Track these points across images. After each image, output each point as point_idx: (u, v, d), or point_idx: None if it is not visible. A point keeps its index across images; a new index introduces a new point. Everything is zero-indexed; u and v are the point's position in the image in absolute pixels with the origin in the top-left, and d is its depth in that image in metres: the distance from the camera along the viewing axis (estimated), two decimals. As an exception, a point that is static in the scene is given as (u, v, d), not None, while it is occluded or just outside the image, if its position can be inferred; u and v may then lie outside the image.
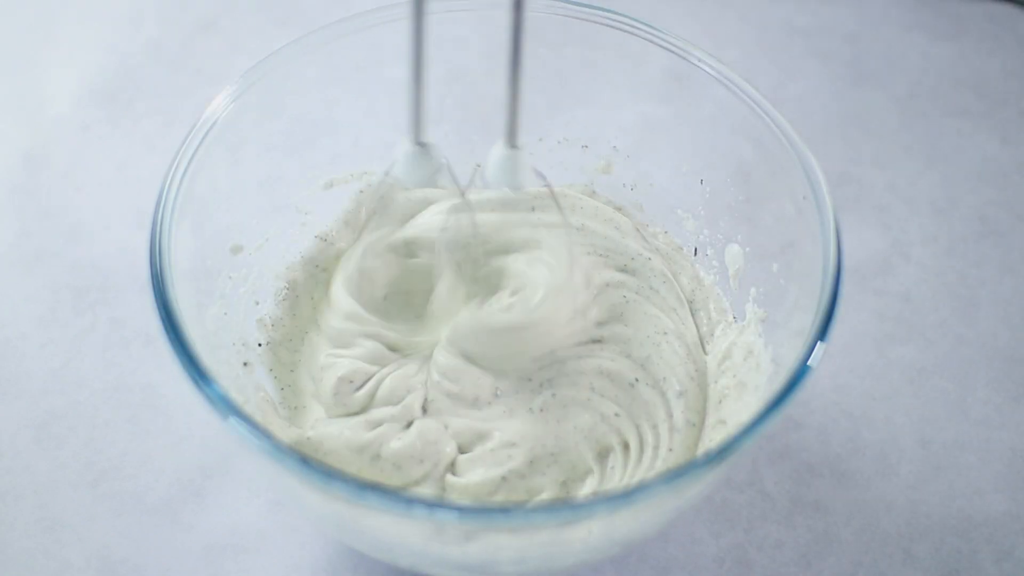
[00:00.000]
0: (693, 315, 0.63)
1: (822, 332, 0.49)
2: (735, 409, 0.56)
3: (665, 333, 0.60)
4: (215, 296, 0.58)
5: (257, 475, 0.61)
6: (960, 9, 0.85)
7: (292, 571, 0.58)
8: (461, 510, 0.45)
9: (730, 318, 0.61)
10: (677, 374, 0.59)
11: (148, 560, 0.59)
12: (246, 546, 0.59)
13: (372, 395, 0.58)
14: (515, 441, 0.56)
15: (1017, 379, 0.66)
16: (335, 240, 0.64)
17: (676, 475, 0.46)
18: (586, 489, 0.56)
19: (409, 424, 0.57)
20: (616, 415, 0.57)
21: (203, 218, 0.56)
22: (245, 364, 0.58)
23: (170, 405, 0.64)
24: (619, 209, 0.66)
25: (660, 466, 0.56)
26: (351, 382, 0.58)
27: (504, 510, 0.48)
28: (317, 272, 0.63)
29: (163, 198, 0.53)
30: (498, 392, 0.58)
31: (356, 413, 0.57)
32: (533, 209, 0.63)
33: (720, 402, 0.58)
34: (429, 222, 0.63)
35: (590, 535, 0.49)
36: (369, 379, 0.58)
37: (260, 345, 0.60)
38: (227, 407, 0.47)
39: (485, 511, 0.48)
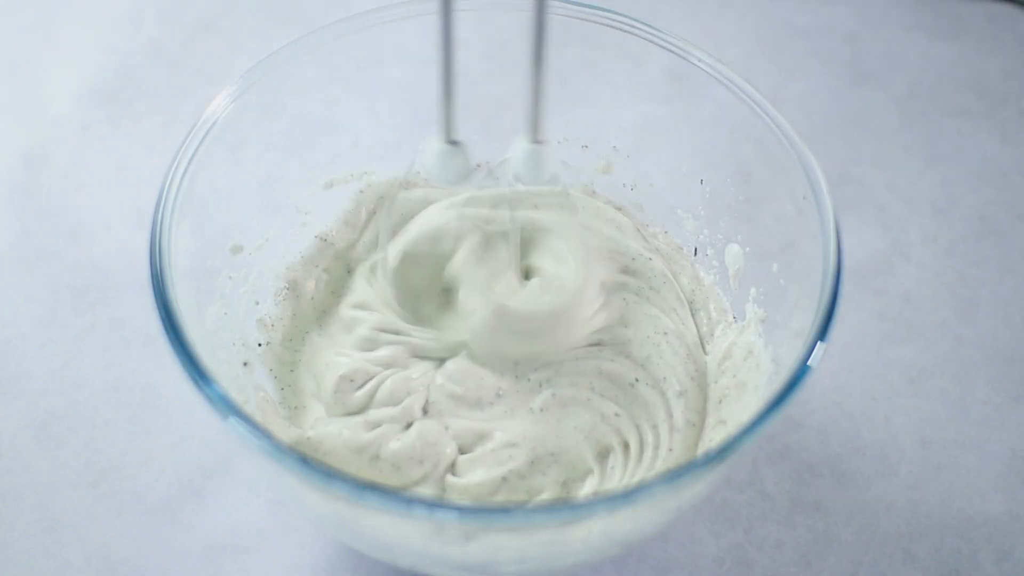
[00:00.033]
0: (693, 315, 0.63)
1: (822, 332, 0.49)
2: (735, 409, 0.56)
3: (665, 333, 0.60)
4: (215, 296, 0.58)
5: (257, 475, 0.61)
6: (960, 9, 0.85)
7: (292, 571, 0.58)
8: (461, 510, 0.45)
9: (730, 318, 0.61)
10: (677, 374, 0.59)
11: (148, 560, 0.59)
12: (246, 546, 0.59)
13: (372, 395, 0.58)
14: (515, 441, 0.56)
15: (1017, 379, 0.66)
16: (335, 240, 0.64)
17: (676, 475, 0.46)
18: (586, 489, 0.56)
19: (409, 425, 0.57)
20: (616, 415, 0.58)
21: (203, 218, 0.56)
22: (245, 364, 0.58)
23: (170, 405, 0.64)
24: (619, 209, 0.66)
25: (660, 466, 0.56)
26: (352, 381, 0.58)
27: (504, 510, 0.48)
28: (317, 272, 0.63)
29: (163, 198, 0.53)
30: (500, 392, 0.58)
31: (355, 413, 0.58)
32: (536, 207, 0.64)
33: (720, 402, 0.58)
34: (439, 220, 0.63)
35: (590, 535, 0.49)
36: (370, 379, 0.58)
37: (260, 345, 0.60)
38: (227, 407, 0.47)
39: (485, 511, 0.48)
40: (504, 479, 0.55)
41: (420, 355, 0.59)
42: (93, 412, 0.64)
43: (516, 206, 0.62)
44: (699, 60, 0.59)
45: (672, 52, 0.60)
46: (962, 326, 0.68)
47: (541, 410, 0.57)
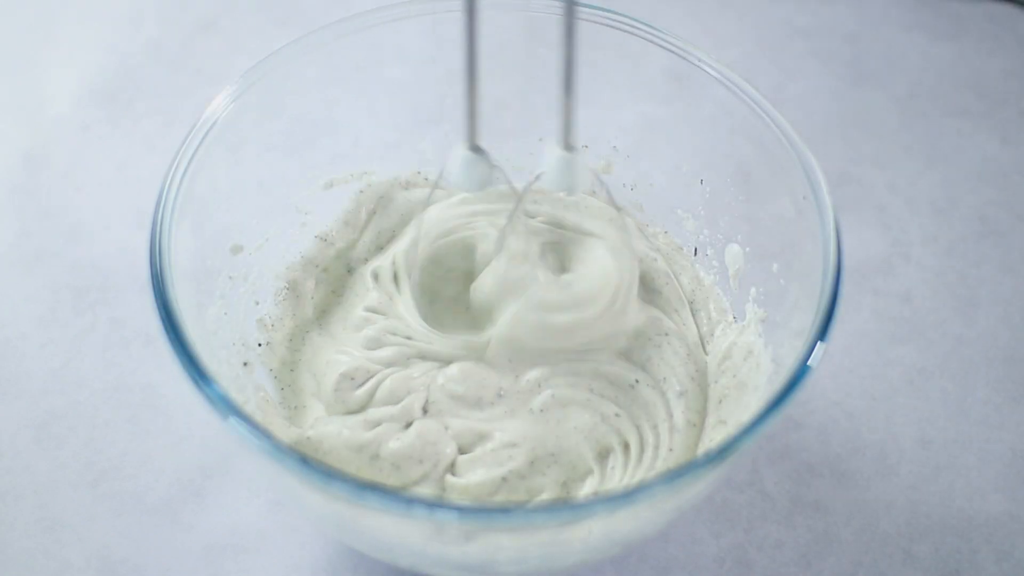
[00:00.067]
0: (693, 315, 0.63)
1: (822, 332, 0.49)
2: (735, 409, 0.56)
3: (666, 334, 0.60)
4: (215, 296, 0.58)
5: (257, 475, 0.61)
6: (960, 9, 0.85)
7: (292, 571, 0.58)
8: (461, 510, 0.45)
9: (730, 318, 0.61)
10: (677, 374, 0.59)
11: (148, 560, 0.59)
12: (246, 546, 0.59)
13: (372, 394, 0.58)
14: (515, 441, 0.56)
15: (1017, 379, 0.66)
16: (335, 240, 0.64)
17: (676, 475, 0.46)
18: (586, 489, 0.56)
19: (409, 424, 0.57)
20: (616, 415, 0.57)
21: (203, 218, 0.56)
22: (245, 364, 0.58)
23: (170, 405, 0.64)
24: (620, 209, 0.66)
25: (660, 466, 0.56)
26: (352, 379, 0.58)
27: (504, 510, 0.48)
28: (317, 272, 0.63)
29: (163, 198, 0.53)
30: (501, 393, 0.58)
31: (355, 411, 0.58)
32: (570, 211, 0.64)
33: (720, 402, 0.58)
34: (458, 224, 0.63)
35: (590, 535, 0.49)
36: (371, 377, 0.58)
37: (260, 345, 0.60)
38: (227, 407, 0.47)
39: (485, 511, 0.48)
40: (504, 479, 0.55)
41: (423, 356, 0.59)
42: (93, 412, 0.64)
43: (528, 205, 0.61)
44: (699, 60, 0.59)
45: (672, 52, 0.60)
46: (962, 326, 0.68)
47: (541, 410, 0.57)
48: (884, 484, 0.62)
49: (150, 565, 0.58)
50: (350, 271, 0.64)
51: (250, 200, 0.61)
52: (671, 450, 0.57)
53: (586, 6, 0.61)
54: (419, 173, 0.66)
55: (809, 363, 0.49)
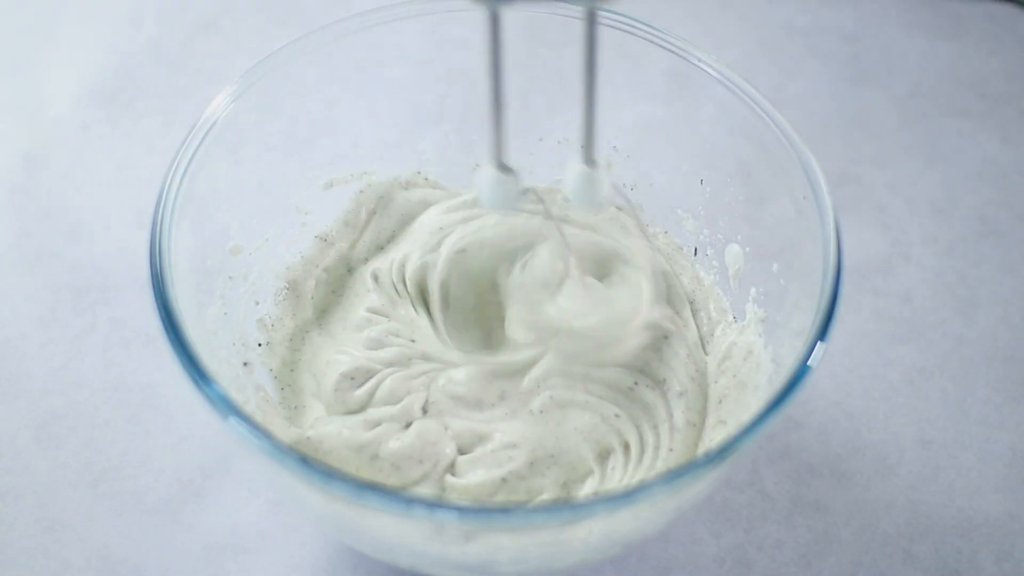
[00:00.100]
0: (693, 315, 0.63)
1: (822, 332, 0.49)
2: (735, 409, 0.56)
3: (666, 336, 0.60)
4: (215, 296, 0.58)
5: (257, 475, 0.61)
6: (960, 9, 0.85)
7: (292, 571, 0.58)
8: (461, 510, 0.45)
9: (730, 318, 0.61)
10: (677, 375, 0.59)
11: (148, 560, 0.59)
12: (246, 546, 0.59)
13: (371, 394, 0.58)
14: (515, 442, 0.56)
15: (1017, 379, 0.66)
16: (335, 240, 0.64)
17: (676, 475, 0.46)
18: (586, 490, 0.56)
19: (408, 425, 0.57)
20: (616, 416, 0.57)
21: (203, 218, 0.56)
22: (245, 364, 0.58)
23: (170, 405, 0.64)
24: (620, 209, 0.66)
25: (660, 466, 0.56)
26: (352, 379, 0.58)
27: (504, 510, 0.48)
28: (317, 272, 0.63)
29: (163, 198, 0.53)
30: (503, 395, 0.58)
31: (355, 411, 0.58)
32: (594, 229, 0.63)
33: (720, 402, 0.58)
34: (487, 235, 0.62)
35: (590, 535, 0.49)
36: (371, 377, 0.58)
37: (260, 345, 0.60)
38: (227, 407, 0.47)
39: (485, 511, 0.48)
40: (504, 480, 0.55)
41: (425, 357, 0.59)
42: (93, 412, 0.64)
43: (554, 217, 0.60)
44: (699, 60, 0.59)
45: (672, 52, 0.60)
46: (962, 326, 0.68)
47: (541, 412, 0.57)
48: (884, 484, 0.62)
49: (150, 565, 0.58)
50: (350, 271, 0.64)
51: (250, 200, 0.61)
52: (671, 450, 0.57)
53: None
54: (419, 173, 0.66)
55: (809, 363, 0.49)
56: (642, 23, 0.61)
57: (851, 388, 0.65)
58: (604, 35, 0.61)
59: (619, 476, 0.56)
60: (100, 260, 0.70)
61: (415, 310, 0.61)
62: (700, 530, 0.60)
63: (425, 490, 0.55)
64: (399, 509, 0.45)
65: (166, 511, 0.60)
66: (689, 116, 0.63)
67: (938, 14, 0.85)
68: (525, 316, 0.59)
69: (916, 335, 0.68)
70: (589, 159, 0.51)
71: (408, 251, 0.62)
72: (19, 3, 0.85)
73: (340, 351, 0.59)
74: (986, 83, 0.81)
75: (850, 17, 0.85)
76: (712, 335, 0.61)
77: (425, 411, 0.57)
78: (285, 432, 0.56)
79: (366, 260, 0.64)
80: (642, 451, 0.57)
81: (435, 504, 0.46)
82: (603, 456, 0.57)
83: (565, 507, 0.46)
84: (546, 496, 0.55)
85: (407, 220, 0.65)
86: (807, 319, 0.51)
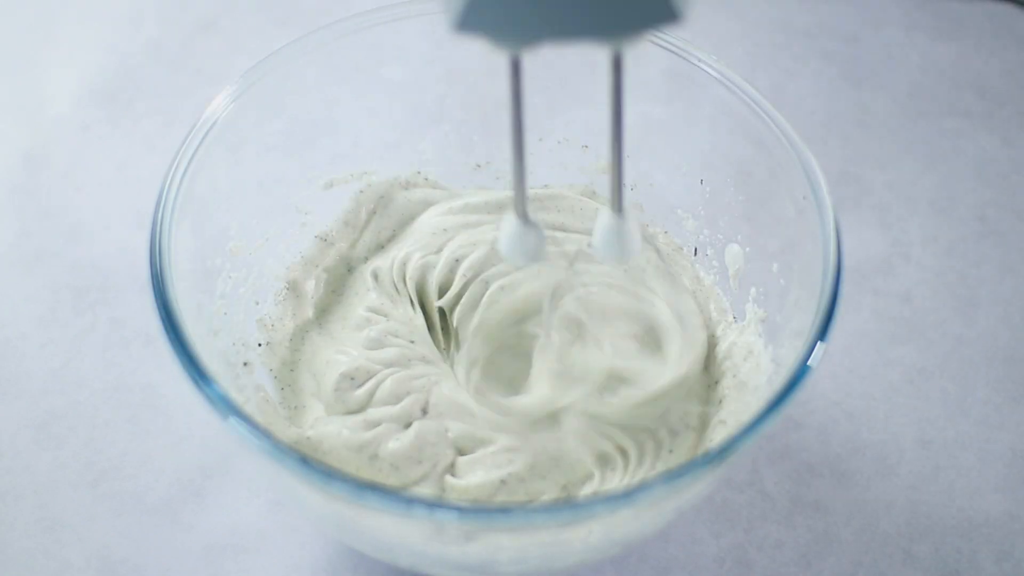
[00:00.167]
0: (693, 315, 0.63)
1: (822, 332, 0.49)
2: (735, 409, 0.56)
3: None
4: (215, 296, 0.58)
5: (257, 475, 0.61)
6: (960, 9, 0.85)
7: (292, 571, 0.58)
8: (461, 510, 0.45)
9: (730, 318, 0.61)
10: (678, 374, 0.59)
11: (148, 560, 0.59)
12: (246, 546, 0.59)
13: (372, 394, 0.58)
14: (515, 446, 0.56)
15: (1017, 379, 0.66)
16: (335, 240, 0.64)
17: (676, 475, 0.46)
18: (586, 492, 0.56)
19: (408, 425, 0.57)
20: (616, 416, 0.57)
21: (203, 218, 0.56)
22: (245, 364, 0.58)
23: (170, 405, 0.64)
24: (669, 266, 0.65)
25: (660, 467, 0.56)
26: (352, 379, 0.58)
27: (504, 510, 0.48)
28: (317, 272, 0.63)
29: (163, 198, 0.53)
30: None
31: (355, 411, 0.58)
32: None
33: (720, 402, 0.58)
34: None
35: (590, 535, 0.49)
36: (371, 377, 0.58)
37: (260, 345, 0.60)
38: (227, 407, 0.47)
39: (485, 511, 0.48)
40: (503, 482, 0.55)
41: (426, 359, 0.59)
42: (93, 412, 0.64)
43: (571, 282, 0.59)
44: (699, 60, 0.59)
45: (672, 52, 0.60)
46: (962, 326, 0.68)
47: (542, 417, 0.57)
48: (884, 484, 0.62)
49: (150, 565, 0.58)
50: (350, 271, 0.64)
51: (250, 200, 0.61)
52: (671, 451, 0.57)
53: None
54: (419, 173, 0.66)
55: (809, 363, 0.49)
56: (642, 23, 0.60)
57: (851, 388, 0.65)
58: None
59: (619, 477, 0.56)
60: (100, 260, 0.70)
61: (413, 309, 0.61)
62: (700, 530, 0.60)
63: (425, 490, 0.55)
64: (399, 509, 0.45)
65: (166, 511, 0.60)
66: (689, 116, 0.63)
67: (938, 14, 0.85)
68: (550, 376, 0.58)
69: (916, 335, 0.68)
70: (618, 208, 0.48)
71: (409, 251, 0.62)
72: (19, 3, 0.85)
73: (340, 351, 0.59)
74: (986, 83, 0.81)
75: (850, 17, 0.85)
76: (712, 335, 0.61)
77: (425, 412, 0.57)
78: (285, 432, 0.56)
79: (366, 260, 0.64)
80: (641, 454, 0.57)
81: (435, 504, 0.46)
82: (603, 460, 0.57)
83: (565, 507, 0.46)
84: (546, 499, 0.55)
85: (407, 220, 0.65)
86: (807, 319, 0.51)
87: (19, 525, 0.60)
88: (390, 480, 0.55)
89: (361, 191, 0.65)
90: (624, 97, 0.46)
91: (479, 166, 0.67)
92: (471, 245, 0.62)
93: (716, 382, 0.59)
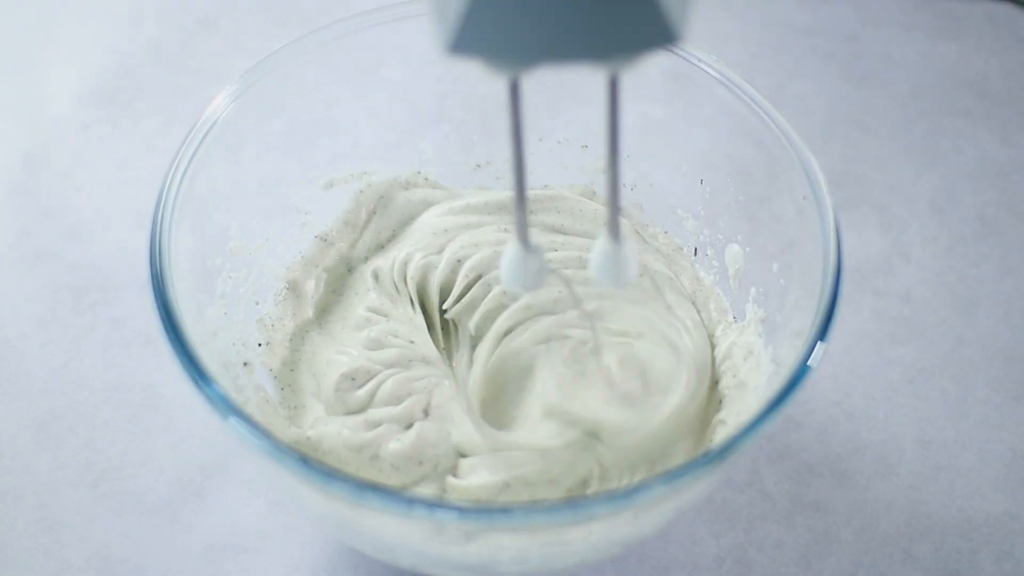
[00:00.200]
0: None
1: (822, 332, 0.49)
2: (735, 409, 0.56)
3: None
4: (215, 296, 0.58)
5: (257, 475, 0.61)
6: (960, 9, 0.85)
7: (292, 571, 0.58)
8: (461, 510, 0.45)
9: (730, 318, 0.61)
10: (678, 375, 0.59)
11: (148, 560, 0.59)
12: (246, 546, 0.59)
13: (372, 395, 0.58)
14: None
15: (1017, 379, 0.66)
16: (335, 240, 0.64)
17: (676, 475, 0.46)
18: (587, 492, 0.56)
19: (409, 426, 0.57)
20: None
21: (203, 218, 0.56)
22: (245, 364, 0.58)
23: (170, 405, 0.64)
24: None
25: (659, 468, 0.56)
26: (353, 379, 0.58)
27: (504, 510, 0.48)
28: (317, 272, 0.63)
29: (163, 198, 0.53)
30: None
31: (355, 412, 0.57)
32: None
33: (720, 402, 0.58)
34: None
35: (590, 535, 0.48)
36: (371, 378, 0.58)
37: (260, 345, 0.60)
38: (227, 407, 0.47)
39: (485, 511, 0.48)
40: (506, 484, 0.55)
41: (426, 360, 0.59)
42: (93, 412, 0.64)
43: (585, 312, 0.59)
44: (699, 60, 0.59)
45: (672, 52, 0.60)
46: (962, 326, 0.68)
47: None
48: (884, 484, 0.62)
49: (150, 565, 0.58)
50: (350, 271, 0.64)
51: (250, 200, 0.61)
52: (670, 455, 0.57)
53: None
54: (419, 173, 0.66)
55: (809, 363, 0.49)
56: (642, 23, 0.60)
57: (851, 388, 0.65)
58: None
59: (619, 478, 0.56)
60: (100, 260, 0.70)
61: (413, 309, 0.61)
62: (700, 530, 0.60)
63: (426, 491, 0.55)
64: (399, 509, 0.45)
65: (166, 511, 0.60)
66: (689, 116, 0.63)
67: (938, 14, 0.85)
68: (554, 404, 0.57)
69: (916, 335, 0.68)
70: (615, 233, 0.47)
71: (410, 251, 0.62)
72: (19, 3, 0.85)
73: (340, 351, 0.59)
74: (986, 83, 0.81)
75: (850, 17, 0.85)
76: (712, 335, 0.61)
77: (427, 413, 0.57)
78: (285, 432, 0.56)
79: (366, 259, 0.64)
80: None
81: (435, 504, 0.46)
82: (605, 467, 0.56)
83: (565, 507, 0.46)
84: (547, 500, 0.55)
85: (407, 220, 0.65)
86: (807, 319, 0.51)
87: (19, 525, 0.60)
88: (391, 480, 0.55)
89: (361, 191, 0.65)
90: (621, 118, 0.45)
91: (479, 166, 0.67)
92: (473, 246, 0.62)
93: (716, 382, 0.59)
